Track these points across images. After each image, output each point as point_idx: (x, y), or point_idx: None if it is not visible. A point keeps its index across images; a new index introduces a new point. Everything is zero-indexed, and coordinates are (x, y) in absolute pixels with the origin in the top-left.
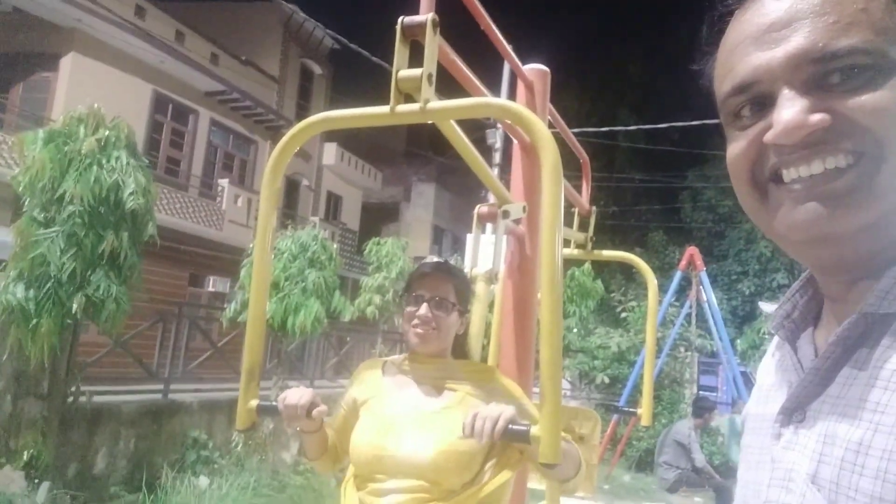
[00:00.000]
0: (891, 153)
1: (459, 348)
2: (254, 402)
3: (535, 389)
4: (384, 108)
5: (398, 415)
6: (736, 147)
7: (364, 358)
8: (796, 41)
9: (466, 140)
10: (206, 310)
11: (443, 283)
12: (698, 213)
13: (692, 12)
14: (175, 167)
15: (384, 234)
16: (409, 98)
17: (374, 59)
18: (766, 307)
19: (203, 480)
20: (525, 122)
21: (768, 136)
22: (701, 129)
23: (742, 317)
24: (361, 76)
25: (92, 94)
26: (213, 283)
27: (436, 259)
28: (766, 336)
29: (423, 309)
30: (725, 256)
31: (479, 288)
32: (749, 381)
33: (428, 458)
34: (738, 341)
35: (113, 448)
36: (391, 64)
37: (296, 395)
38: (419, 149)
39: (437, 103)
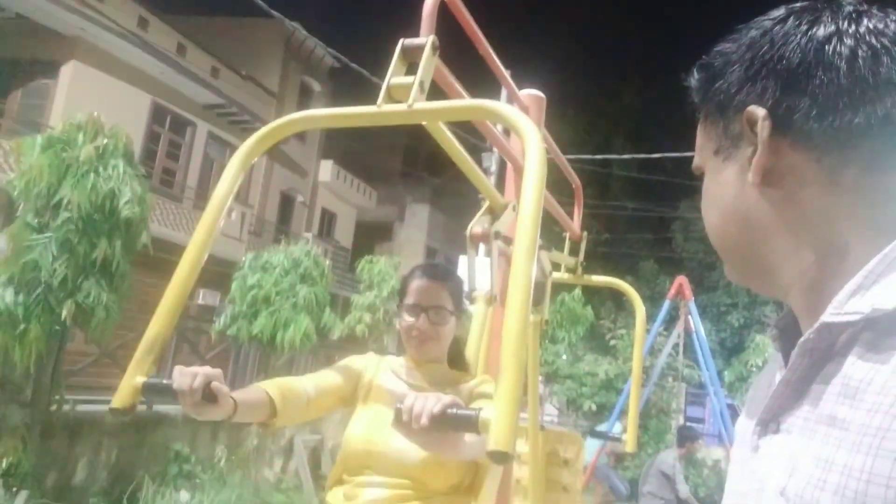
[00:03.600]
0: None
1: (454, 350)
2: (140, 379)
3: (523, 415)
4: (370, 107)
5: (391, 413)
6: None
7: None
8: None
9: (456, 143)
10: (194, 322)
11: (439, 290)
12: (689, 243)
13: (687, 45)
14: (171, 178)
15: (377, 253)
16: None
17: (373, 78)
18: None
19: (184, 495)
20: (512, 123)
21: None
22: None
23: (730, 349)
24: (361, 95)
25: (91, 103)
26: (203, 296)
27: (429, 263)
28: (754, 369)
29: (422, 320)
30: (715, 288)
31: (479, 309)
32: (735, 414)
33: (416, 458)
34: (726, 373)
35: (94, 459)
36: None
37: (187, 375)
38: (415, 169)
39: (424, 103)
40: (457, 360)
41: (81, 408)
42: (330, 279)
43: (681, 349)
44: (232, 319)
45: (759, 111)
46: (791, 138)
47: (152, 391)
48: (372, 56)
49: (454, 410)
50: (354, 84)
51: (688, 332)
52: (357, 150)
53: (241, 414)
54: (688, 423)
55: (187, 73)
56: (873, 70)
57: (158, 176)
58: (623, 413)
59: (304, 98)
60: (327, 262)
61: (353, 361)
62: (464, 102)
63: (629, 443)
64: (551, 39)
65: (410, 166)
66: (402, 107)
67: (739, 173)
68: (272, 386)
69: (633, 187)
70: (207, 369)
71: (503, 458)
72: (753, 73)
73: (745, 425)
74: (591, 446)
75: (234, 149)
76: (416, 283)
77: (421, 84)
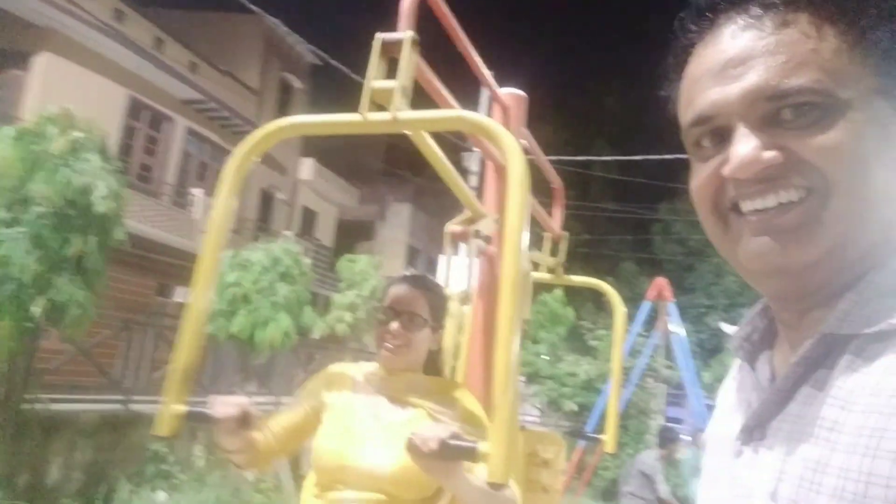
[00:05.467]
0: (837, 191)
1: (433, 364)
2: (180, 407)
3: None
4: (355, 116)
5: (362, 425)
6: (698, 177)
7: None
8: (750, 79)
9: (439, 152)
10: (172, 320)
11: (416, 298)
12: (669, 245)
13: (666, 51)
14: (148, 174)
15: (358, 252)
16: (381, 109)
17: (354, 76)
18: (728, 328)
19: (161, 495)
20: (494, 137)
21: (725, 170)
22: (674, 163)
23: (709, 350)
24: (342, 93)
25: (65, 95)
26: (181, 294)
27: (412, 273)
28: None
29: (394, 325)
30: (694, 289)
31: (453, 308)
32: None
33: (389, 471)
34: (705, 374)
35: (68, 458)
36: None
37: (228, 405)
38: (397, 168)
39: (409, 113)
40: (432, 371)
41: (55, 407)
42: (310, 278)
43: (661, 350)
44: (210, 318)
45: None
46: None
47: (192, 418)
48: (353, 53)
49: (457, 442)
50: (335, 81)
51: (667, 334)
52: (339, 148)
53: (247, 447)
54: (668, 424)
55: (165, 67)
56: None
57: (135, 171)
58: (603, 414)
59: (285, 95)
60: (308, 260)
61: (312, 384)
62: (448, 113)
63: (609, 443)
64: (533, 40)
65: (392, 165)
66: (386, 116)
67: None
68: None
69: (613, 189)
70: (244, 402)
71: (500, 487)
72: None
73: (719, 433)
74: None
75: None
76: (394, 289)
77: (403, 89)
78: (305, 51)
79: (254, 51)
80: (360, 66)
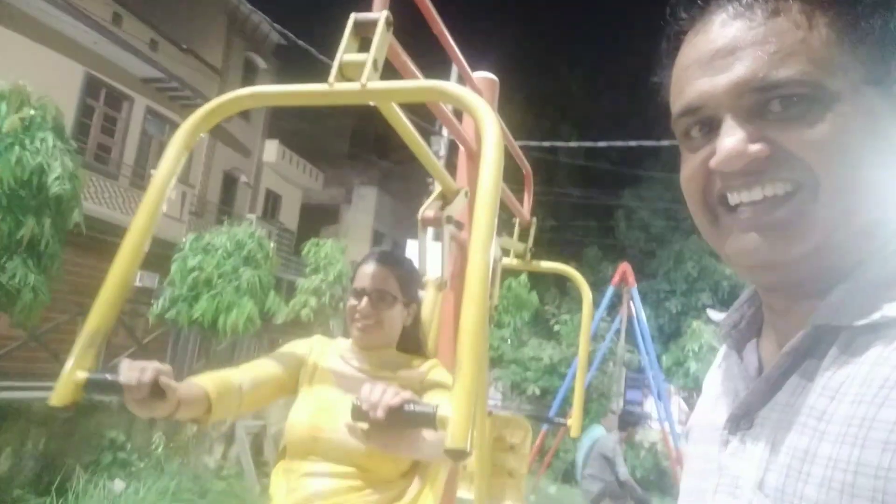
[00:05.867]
0: (825, 186)
1: (409, 339)
2: (82, 374)
3: None
4: (322, 86)
5: (337, 399)
6: (688, 168)
7: None
8: (739, 70)
9: (409, 125)
10: (131, 305)
11: (385, 276)
12: (631, 231)
13: (633, 39)
14: (106, 155)
15: (323, 236)
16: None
17: (321, 57)
18: (715, 315)
19: (118, 484)
20: (468, 105)
21: (712, 162)
22: (638, 151)
23: (668, 334)
24: (309, 74)
25: (16, 71)
26: (141, 278)
27: (380, 250)
28: (691, 353)
29: (364, 303)
30: (655, 275)
31: (429, 294)
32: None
33: (363, 446)
34: (664, 357)
35: (20, 448)
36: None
37: (135, 370)
38: (363, 151)
39: (378, 83)
40: (412, 350)
41: (6, 394)
42: (275, 262)
43: (622, 334)
44: (171, 303)
45: None
46: None
47: (96, 387)
48: (320, 34)
49: (412, 407)
50: (302, 63)
51: (629, 318)
52: (304, 131)
53: (180, 411)
54: (628, 408)
55: (123, 44)
56: None
57: (92, 152)
58: (566, 398)
59: (249, 75)
60: (272, 244)
61: (296, 346)
62: (420, 83)
63: (574, 427)
64: (500, 24)
65: (358, 148)
66: (354, 86)
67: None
68: (207, 380)
69: (578, 175)
70: (156, 364)
71: (461, 455)
72: None
73: (704, 422)
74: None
75: (174, 125)
76: (364, 267)
77: (374, 62)
78: (270, 30)
79: (216, 29)
80: (328, 47)
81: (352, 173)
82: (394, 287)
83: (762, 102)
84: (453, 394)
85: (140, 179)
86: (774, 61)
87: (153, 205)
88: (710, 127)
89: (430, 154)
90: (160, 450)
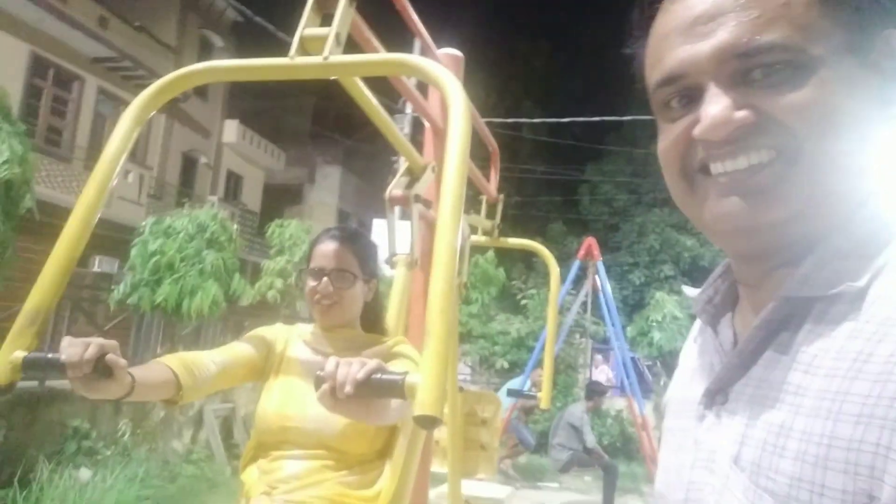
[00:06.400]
0: (807, 151)
1: (371, 315)
2: (20, 353)
3: None
4: (282, 60)
5: (304, 386)
6: (666, 139)
7: None
8: (721, 36)
9: (373, 99)
10: (90, 291)
11: (343, 253)
12: (595, 206)
13: (595, 14)
14: (57, 137)
15: (287, 216)
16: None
17: (280, 34)
18: (689, 291)
19: (84, 472)
20: (435, 78)
21: (696, 131)
22: (600, 126)
23: (632, 305)
24: (269, 52)
25: None
26: (100, 263)
27: (336, 227)
28: (654, 324)
29: (324, 283)
30: (619, 248)
31: (400, 273)
32: (636, 367)
33: (336, 429)
34: (629, 328)
35: None
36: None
37: (77, 346)
38: (325, 130)
39: (340, 57)
40: (374, 325)
41: None
42: (239, 244)
43: (589, 307)
44: (132, 288)
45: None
46: None
47: (35, 366)
48: (279, 11)
49: (379, 376)
50: (261, 40)
51: (595, 291)
52: (264, 110)
53: (141, 392)
54: (594, 379)
55: (71, 21)
56: None
57: (43, 134)
58: (535, 369)
59: (205, 53)
60: (235, 226)
61: (263, 332)
62: (384, 56)
63: (544, 399)
64: (460, 1)
65: (321, 126)
66: (316, 59)
67: (876, 95)
68: (175, 360)
69: (542, 151)
70: (100, 340)
71: (431, 422)
72: None
73: (680, 396)
74: (506, 403)
75: (126, 105)
76: (320, 247)
77: (337, 36)
78: (227, 6)
79: (170, 6)
80: (288, 24)
81: (314, 152)
82: (353, 264)
83: (745, 70)
84: (423, 361)
85: (94, 162)
86: (757, 26)
87: (102, 182)
88: (691, 97)
89: (396, 129)
90: (127, 436)
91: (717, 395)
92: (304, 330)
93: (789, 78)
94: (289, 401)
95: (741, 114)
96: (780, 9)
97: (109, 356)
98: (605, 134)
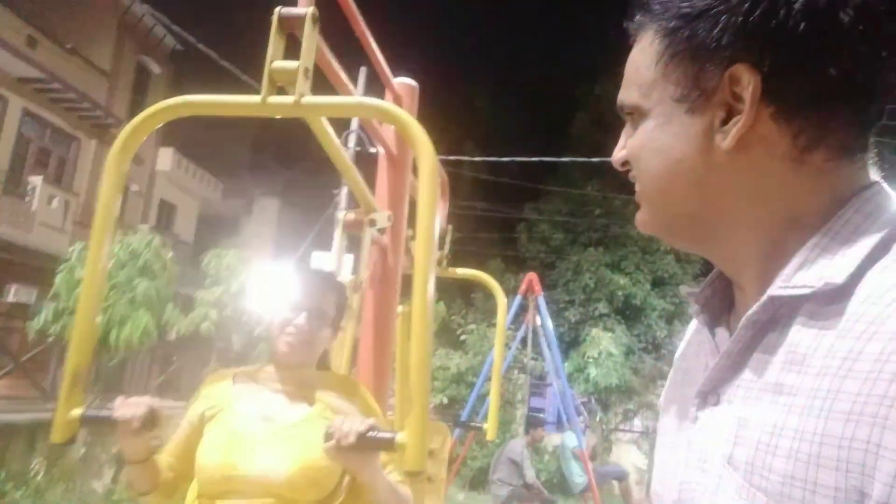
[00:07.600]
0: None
1: (323, 360)
2: (77, 411)
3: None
4: (254, 98)
5: (250, 430)
6: None
7: (194, 377)
8: (620, 91)
9: (337, 140)
10: (5, 320)
11: (326, 295)
12: (532, 244)
13: (535, 56)
14: None
15: (222, 247)
16: (281, 91)
17: (221, 62)
18: (687, 290)
19: None
20: (404, 126)
21: None
22: (538, 166)
23: (568, 342)
24: (207, 79)
25: None
26: (15, 293)
27: (316, 267)
28: (590, 360)
29: (303, 318)
30: (555, 286)
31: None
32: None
33: (284, 475)
34: (566, 364)
35: None
36: (240, 68)
37: (131, 406)
38: (264, 160)
39: (312, 98)
40: (322, 359)
41: None
42: (173, 272)
43: (529, 342)
44: (55, 317)
45: (750, 75)
46: (775, 109)
47: (92, 422)
48: (219, 38)
49: (375, 433)
50: (200, 68)
51: (536, 326)
52: (201, 139)
53: (151, 464)
54: (533, 413)
55: None
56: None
57: None
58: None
59: (142, 79)
60: (170, 253)
61: (193, 401)
62: (356, 100)
63: (490, 430)
64: (408, 33)
65: (260, 157)
66: (288, 100)
67: (705, 131)
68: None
69: (482, 189)
70: (149, 399)
71: (418, 476)
72: (751, 29)
73: (674, 398)
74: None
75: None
76: (305, 283)
77: (306, 71)
78: (165, 33)
79: (105, 30)
80: (228, 52)
81: (252, 183)
82: (331, 308)
83: (628, 117)
84: (410, 425)
85: (16, 187)
86: (624, 88)
87: (103, 236)
88: None
89: (356, 173)
90: (40, 476)
91: (709, 396)
92: (247, 372)
93: (636, 125)
94: (233, 449)
95: (621, 154)
96: (633, 73)
97: (157, 408)
98: (543, 174)
